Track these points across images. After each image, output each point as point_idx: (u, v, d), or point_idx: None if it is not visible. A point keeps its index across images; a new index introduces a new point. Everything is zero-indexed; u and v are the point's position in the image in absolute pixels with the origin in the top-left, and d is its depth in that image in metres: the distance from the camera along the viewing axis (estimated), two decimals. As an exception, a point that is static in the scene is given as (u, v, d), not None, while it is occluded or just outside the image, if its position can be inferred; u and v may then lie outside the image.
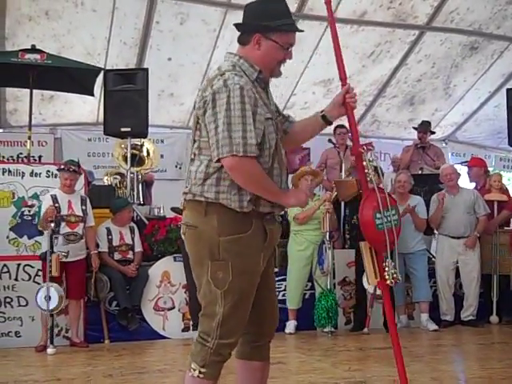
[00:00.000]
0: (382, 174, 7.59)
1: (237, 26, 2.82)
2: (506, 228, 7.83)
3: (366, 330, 6.77)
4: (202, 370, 2.64)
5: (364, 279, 6.76)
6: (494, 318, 7.43)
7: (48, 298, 6.00)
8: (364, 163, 2.97)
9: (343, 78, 3.01)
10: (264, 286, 2.80)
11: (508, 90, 9.11)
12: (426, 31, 10.12)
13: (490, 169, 10.43)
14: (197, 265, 2.73)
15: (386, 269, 2.96)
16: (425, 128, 9.15)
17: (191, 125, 2.79)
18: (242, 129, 2.55)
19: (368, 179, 2.98)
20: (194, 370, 2.66)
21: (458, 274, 7.39)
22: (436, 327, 6.96)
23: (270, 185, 2.69)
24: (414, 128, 9.25)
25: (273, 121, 2.74)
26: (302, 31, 2.85)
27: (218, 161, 2.59)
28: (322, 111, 2.95)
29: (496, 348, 6.18)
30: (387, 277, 2.96)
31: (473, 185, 8.26)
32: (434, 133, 9.66)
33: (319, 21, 9.60)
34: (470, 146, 12.57)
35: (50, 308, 6.03)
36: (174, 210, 7.77)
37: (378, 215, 2.93)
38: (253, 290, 2.73)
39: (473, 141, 12.56)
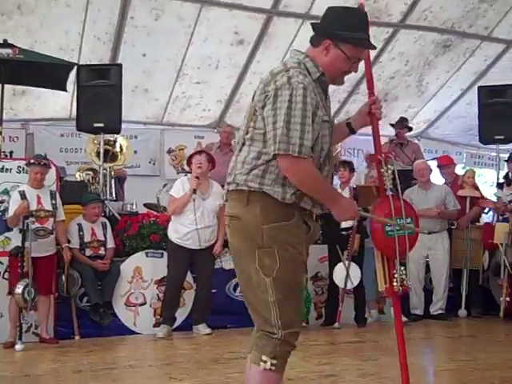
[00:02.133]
0: (401, 183, 7.66)
1: (313, 25, 2.81)
2: (477, 223, 7.91)
3: (336, 324, 6.81)
4: (273, 361, 2.61)
5: (334, 274, 6.83)
6: (462, 312, 7.53)
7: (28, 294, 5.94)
8: (382, 170, 3.03)
9: (370, 88, 3.07)
10: None
11: (479, 87, 9.24)
12: (400, 29, 10.20)
13: (462, 165, 10.57)
14: (243, 255, 2.70)
15: (396, 276, 2.99)
16: (401, 124, 9.22)
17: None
18: (300, 129, 2.54)
19: (385, 187, 3.03)
20: (265, 362, 2.61)
21: (428, 269, 7.47)
22: (405, 319, 7.01)
23: (326, 188, 2.73)
24: (391, 125, 9.30)
25: (329, 124, 2.74)
26: (374, 48, 2.87)
27: (275, 156, 2.58)
28: (348, 119, 3.02)
29: (464, 341, 6.28)
30: (395, 283, 3.00)
31: (442, 180, 8.34)
32: (411, 129, 9.73)
33: (294, 17, 9.64)
34: (442, 142, 12.68)
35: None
36: (146, 205, 7.78)
37: (389, 220, 2.97)
38: (301, 279, 2.75)
39: (445, 137, 12.68)
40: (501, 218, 7.37)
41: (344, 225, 6.85)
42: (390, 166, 3.04)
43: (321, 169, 2.72)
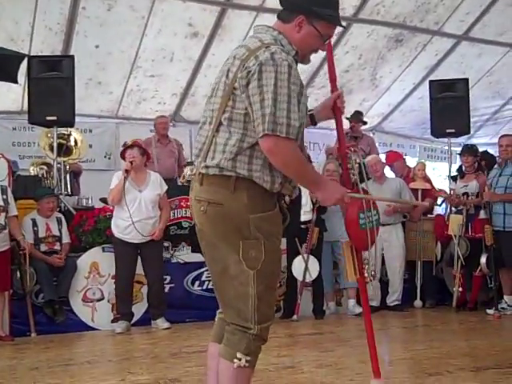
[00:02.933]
0: (367, 175, 7.73)
1: (282, 0, 2.69)
2: (429, 215, 8.07)
3: (295, 317, 6.87)
4: (248, 358, 2.53)
5: (293, 267, 6.89)
6: (417, 303, 7.68)
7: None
8: (349, 165, 3.03)
9: (334, 81, 3.04)
10: None
11: (430, 81, 9.39)
12: (353, 23, 10.29)
13: (415, 159, 10.77)
14: (221, 245, 2.58)
15: (366, 266, 3.04)
16: (356, 118, 9.30)
17: (215, 93, 2.60)
18: (287, 108, 2.42)
19: (352, 180, 3.03)
20: (240, 359, 2.52)
21: (384, 261, 7.59)
22: (361, 310, 7.12)
23: (309, 171, 2.61)
24: (346, 118, 9.37)
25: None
26: (344, 27, 2.84)
27: (263, 136, 2.44)
28: (310, 110, 2.87)
29: (419, 331, 6.41)
30: (366, 274, 3.05)
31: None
32: (366, 123, 9.83)
33: (248, 10, 9.64)
34: (396, 136, 12.88)
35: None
36: (102, 200, 7.68)
37: (362, 215, 2.96)
38: (280, 270, 2.71)
39: (399, 131, 12.88)
40: (454, 210, 7.52)
41: (303, 218, 6.91)
42: (356, 159, 3.07)
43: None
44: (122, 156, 6.80)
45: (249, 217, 2.52)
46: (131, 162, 6.54)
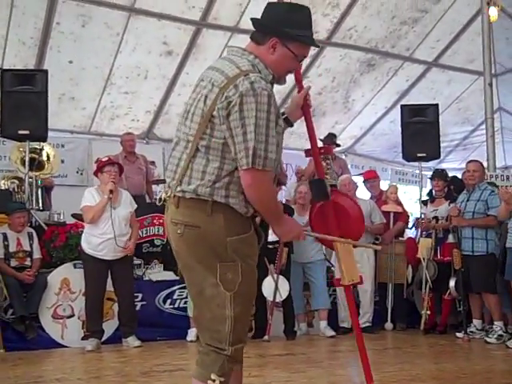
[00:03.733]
0: (374, 198, 8.03)
1: (254, 21, 2.69)
2: (400, 238, 8.14)
3: (266, 337, 6.85)
4: (221, 379, 2.53)
5: (263, 288, 6.86)
6: (388, 325, 7.73)
7: None
8: (324, 164, 3.13)
9: (299, 80, 3.07)
10: None
11: (402, 106, 9.52)
12: (327, 46, 10.44)
13: (387, 182, 10.88)
14: (197, 267, 2.58)
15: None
16: (330, 140, 9.36)
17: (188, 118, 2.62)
18: (265, 140, 2.47)
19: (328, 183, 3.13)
20: (214, 380, 2.53)
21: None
22: (333, 333, 7.15)
23: (276, 207, 2.67)
24: (320, 139, 9.42)
25: (282, 129, 2.68)
26: (318, 46, 2.85)
27: (247, 170, 2.48)
28: (283, 113, 2.88)
29: (389, 353, 6.44)
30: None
31: (368, 195, 8.56)
32: (338, 145, 9.89)
33: (223, 30, 9.72)
34: (368, 158, 13.02)
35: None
36: (74, 216, 7.61)
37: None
38: (255, 291, 2.71)
39: (370, 154, 13.03)
40: (425, 233, 7.61)
41: (270, 238, 6.92)
42: (327, 160, 3.19)
43: (274, 181, 2.65)
44: (97, 171, 6.73)
45: (226, 239, 2.55)
46: (114, 182, 6.51)
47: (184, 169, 2.60)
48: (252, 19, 2.71)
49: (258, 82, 2.50)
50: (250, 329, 7.18)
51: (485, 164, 8.00)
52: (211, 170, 2.55)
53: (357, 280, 3.28)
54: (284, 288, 6.92)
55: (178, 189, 2.60)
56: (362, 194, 8.55)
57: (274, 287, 6.85)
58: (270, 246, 6.90)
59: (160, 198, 2.81)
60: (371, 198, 8.40)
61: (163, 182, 9.87)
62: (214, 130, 2.54)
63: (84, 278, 6.54)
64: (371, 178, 8.67)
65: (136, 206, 6.79)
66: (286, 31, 2.62)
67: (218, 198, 2.55)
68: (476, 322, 6.96)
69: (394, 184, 9.32)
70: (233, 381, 2.75)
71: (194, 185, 2.57)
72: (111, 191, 6.45)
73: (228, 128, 2.50)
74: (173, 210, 2.63)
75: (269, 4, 2.72)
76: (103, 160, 6.83)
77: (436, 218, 7.40)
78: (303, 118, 3.07)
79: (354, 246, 3.22)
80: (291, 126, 2.98)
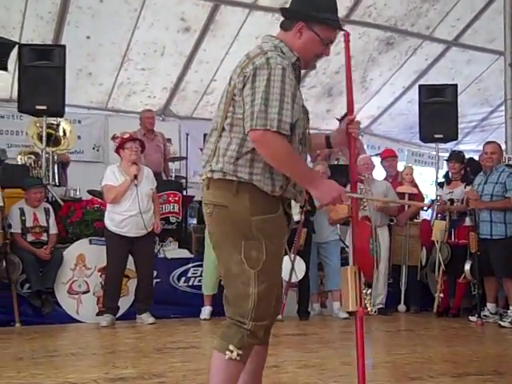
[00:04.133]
0: (390, 177, 7.93)
1: (282, 10, 2.79)
2: (415, 220, 8.09)
3: (280, 317, 6.85)
4: (240, 352, 2.61)
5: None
6: (401, 307, 7.72)
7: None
8: (358, 191, 3.03)
9: (350, 110, 3.06)
10: None
11: (420, 86, 9.43)
12: (345, 24, 10.29)
13: (403, 163, 10.81)
14: (225, 245, 2.67)
15: (367, 297, 3.00)
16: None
17: (223, 99, 2.68)
18: (279, 105, 2.51)
19: (361, 207, 3.02)
20: (232, 351, 2.60)
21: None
22: (347, 315, 7.16)
23: (301, 166, 2.66)
24: (337, 119, 9.31)
25: (304, 109, 2.73)
26: (344, 31, 2.85)
27: (250, 132, 2.54)
28: (327, 134, 3.02)
29: (402, 335, 6.44)
30: (368, 305, 2.98)
31: (384, 175, 8.49)
32: None
33: (241, 7, 9.64)
34: (384, 139, 12.93)
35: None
36: (90, 192, 7.66)
37: (371, 241, 2.96)
38: (280, 271, 2.78)
39: (387, 134, 12.94)
40: (440, 216, 7.56)
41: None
42: (367, 188, 3.09)
43: (300, 154, 2.70)
44: (119, 148, 6.76)
45: (251, 218, 2.61)
46: (135, 160, 6.56)
47: (213, 150, 2.70)
48: (280, 8, 2.81)
49: (274, 57, 2.58)
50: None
51: (503, 146, 7.90)
52: (233, 146, 2.63)
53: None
54: (300, 268, 6.92)
55: (208, 169, 2.70)
56: (378, 174, 8.49)
57: (290, 267, 6.86)
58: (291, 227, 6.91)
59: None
60: (386, 177, 8.32)
61: (179, 159, 9.90)
62: (235, 106, 2.62)
63: (106, 254, 6.59)
64: (389, 157, 8.58)
65: (156, 183, 6.85)
66: (310, 14, 2.70)
67: (242, 174, 2.61)
68: (490, 306, 6.94)
69: (410, 165, 9.25)
70: (256, 359, 2.83)
71: (220, 163, 2.65)
72: (135, 176, 6.48)
73: (241, 99, 2.59)
74: (204, 192, 2.74)
75: None
76: (124, 137, 6.85)
77: (451, 200, 7.35)
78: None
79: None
80: (330, 147, 3.06)
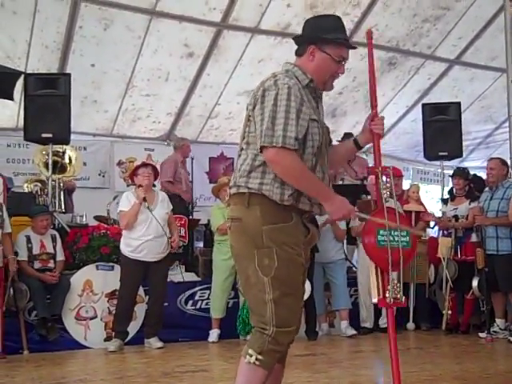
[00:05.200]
0: (396, 197, 7.69)
1: (295, 38, 2.99)
2: (422, 238, 8.07)
3: (287, 337, 6.85)
4: (259, 357, 2.68)
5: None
6: (410, 325, 7.69)
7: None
8: (380, 182, 3.06)
9: (374, 105, 3.15)
10: None
11: (423, 105, 9.46)
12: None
13: (408, 181, 10.82)
14: (243, 256, 2.80)
15: (389, 287, 2.98)
16: (347, 140, 9.31)
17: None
18: (283, 122, 2.66)
19: (382, 200, 3.04)
20: (251, 355, 2.69)
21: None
22: (354, 332, 7.13)
23: (312, 180, 2.77)
24: (338, 141, 9.34)
25: (318, 123, 2.82)
26: (354, 48, 2.97)
27: (261, 151, 2.70)
28: (355, 136, 3.14)
29: (412, 353, 6.39)
30: (387, 295, 2.99)
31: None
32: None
33: (243, 32, 9.73)
34: (389, 158, 12.89)
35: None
36: (96, 218, 7.69)
37: (382, 232, 2.99)
38: (299, 279, 2.82)
39: (392, 153, 12.92)
40: (446, 232, 7.54)
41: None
42: (387, 179, 3.08)
43: (313, 168, 2.80)
44: (132, 175, 6.86)
45: (262, 228, 2.73)
46: (141, 186, 6.63)
47: (235, 169, 2.89)
48: (293, 37, 3.02)
49: (281, 79, 2.77)
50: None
51: (508, 162, 7.89)
52: (247, 161, 2.80)
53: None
54: (306, 289, 6.86)
55: (229, 186, 2.89)
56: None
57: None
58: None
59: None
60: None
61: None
62: (250, 126, 2.82)
63: (120, 279, 6.60)
64: (396, 177, 8.58)
65: (171, 206, 6.88)
66: (319, 36, 2.87)
67: (252, 185, 2.76)
68: (499, 322, 6.89)
69: (416, 183, 9.25)
70: (273, 376, 2.86)
71: (235, 178, 2.84)
72: (144, 199, 6.52)
73: (253, 118, 2.78)
74: (229, 208, 2.90)
75: (305, 21, 3.02)
76: (138, 164, 6.95)
77: (456, 216, 7.34)
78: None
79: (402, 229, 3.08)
80: (359, 148, 3.13)
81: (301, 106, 2.72)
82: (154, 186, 7.07)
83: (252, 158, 2.78)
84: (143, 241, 6.50)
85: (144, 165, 6.93)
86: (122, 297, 6.59)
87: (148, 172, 6.70)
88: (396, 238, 2.99)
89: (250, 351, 2.71)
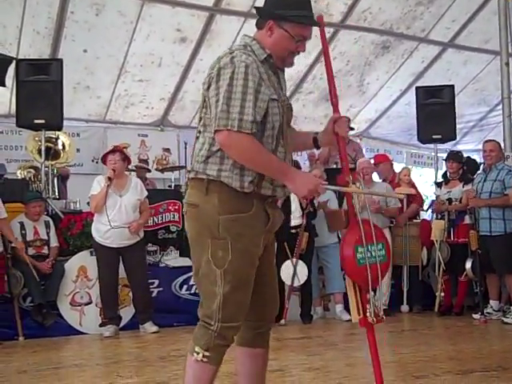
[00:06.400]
0: (387, 180, 7.91)
1: (256, 9, 2.80)
2: (414, 220, 8.08)
3: (283, 321, 6.87)
4: (206, 353, 2.59)
5: (282, 272, 6.90)
6: (404, 307, 7.72)
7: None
8: (351, 193, 2.84)
9: (335, 105, 2.92)
10: (264, 272, 2.76)
11: (417, 88, 9.45)
12: (341, 29, 10.37)
13: (402, 164, 10.82)
14: (197, 244, 2.68)
15: (369, 306, 2.82)
16: None
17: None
18: (240, 104, 2.51)
19: (355, 210, 2.84)
20: (198, 353, 2.59)
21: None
22: (349, 317, 7.13)
23: (271, 161, 2.60)
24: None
25: (279, 103, 2.68)
26: (317, 25, 2.80)
27: (215, 133, 2.55)
28: (316, 133, 2.95)
29: (406, 335, 6.43)
30: (368, 315, 2.82)
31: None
32: (353, 129, 9.80)
33: (236, 16, 9.68)
34: (382, 141, 12.96)
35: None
36: (90, 204, 7.66)
37: (360, 249, 2.79)
38: (252, 272, 2.67)
39: (385, 137, 12.96)
40: (439, 215, 7.57)
41: (293, 223, 6.94)
42: (358, 185, 2.89)
43: (275, 149, 2.66)
44: (104, 161, 6.81)
45: (218, 217, 2.60)
46: (113, 170, 6.54)
47: (192, 153, 2.74)
48: (255, 7, 2.82)
49: (238, 56, 2.60)
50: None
51: (502, 144, 7.91)
52: (205, 146, 2.65)
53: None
54: (303, 272, 6.92)
55: (187, 170, 2.71)
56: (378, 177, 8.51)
57: (292, 271, 6.86)
58: (292, 231, 6.93)
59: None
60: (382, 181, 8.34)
61: (178, 168, 9.94)
62: (206, 107, 2.65)
63: (97, 265, 6.61)
64: (382, 162, 8.63)
65: (146, 193, 6.81)
66: (278, 13, 2.68)
67: (211, 171, 2.62)
68: (493, 303, 6.94)
69: (407, 166, 9.27)
70: (256, 363, 2.86)
71: (193, 163, 2.70)
72: (109, 178, 6.48)
73: (208, 100, 2.62)
74: (186, 192, 2.76)
75: None
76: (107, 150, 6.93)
77: (450, 199, 7.36)
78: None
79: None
80: (317, 148, 3.01)
81: (259, 86, 2.57)
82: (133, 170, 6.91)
83: (209, 143, 2.63)
84: (110, 227, 6.43)
85: (112, 151, 6.83)
86: (102, 283, 6.57)
87: (115, 159, 6.63)
88: (373, 254, 2.80)
89: (197, 348, 2.59)
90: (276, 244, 6.89)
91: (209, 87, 2.61)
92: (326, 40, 2.97)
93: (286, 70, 2.83)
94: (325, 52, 3.02)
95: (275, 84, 2.71)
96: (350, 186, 2.81)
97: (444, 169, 7.84)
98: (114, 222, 6.43)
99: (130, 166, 7.76)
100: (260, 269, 2.70)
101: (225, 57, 2.62)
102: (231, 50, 2.65)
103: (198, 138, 2.72)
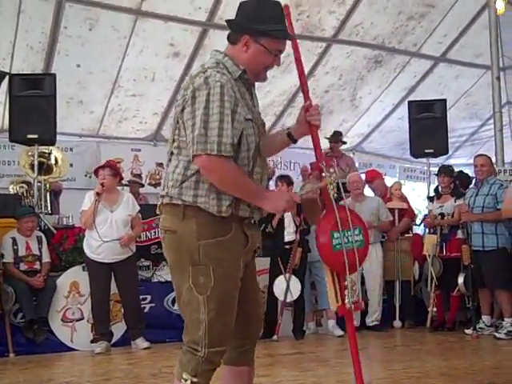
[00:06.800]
0: (345, 191, 7.70)
1: (228, 22, 2.71)
2: (406, 235, 8.09)
3: (275, 337, 6.85)
4: (194, 379, 2.56)
5: (275, 287, 6.89)
6: (397, 323, 7.71)
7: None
8: (325, 181, 2.82)
9: (306, 94, 2.92)
10: (247, 290, 2.73)
11: (409, 102, 9.49)
12: (333, 44, 10.43)
13: (395, 179, 10.84)
14: (177, 271, 2.63)
15: (347, 293, 2.79)
16: (336, 138, 9.38)
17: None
18: (218, 126, 2.47)
19: (330, 196, 2.82)
20: (186, 380, 2.55)
21: (363, 281, 7.60)
22: (342, 333, 7.11)
23: (248, 185, 2.59)
24: (326, 138, 9.37)
25: (253, 123, 2.64)
26: (292, 39, 2.78)
27: (193, 159, 2.51)
28: (288, 128, 2.92)
29: (398, 351, 6.42)
30: (347, 301, 2.79)
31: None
32: (345, 143, 9.89)
33: (229, 30, 9.70)
34: (375, 156, 12.99)
35: None
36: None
37: (336, 235, 2.76)
38: (235, 295, 2.64)
39: (378, 151, 12.99)
40: (432, 230, 7.57)
41: (287, 238, 6.94)
42: (331, 172, 2.84)
43: (251, 170, 2.64)
44: (96, 175, 6.82)
45: (198, 243, 2.56)
46: (102, 185, 6.53)
47: (165, 175, 2.68)
48: (226, 20, 2.72)
49: (212, 76, 2.53)
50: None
51: (493, 159, 7.94)
52: (179, 170, 2.60)
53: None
54: (295, 288, 6.90)
55: (160, 195, 2.70)
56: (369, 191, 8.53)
57: (285, 287, 6.84)
58: (286, 247, 6.93)
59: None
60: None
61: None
62: (180, 129, 2.59)
63: (89, 281, 6.58)
64: (373, 179, 8.67)
65: (138, 208, 6.80)
66: (254, 27, 2.63)
67: (187, 197, 2.57)
68: (485, 318, 6.92)
69: (399, 181, 9.31)
70: (239, 381, 2.81)
71: (167, 188, 2.63)
72: (98, 194, 6.48)
73: (182, 123, 2.56)
74: (161, 218, 2.71)
75: (240, 3, 2.72)
76: (98, 165, 6.92)
77: (442, 214, 7.37)
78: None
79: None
80: (294, 142, 2.93)
81: (235, 107, 2.52)
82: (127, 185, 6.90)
83: (184, 167, 2.57)
84: (101, 242, 6.41)
85: (102, 166, 6.83)
86: (94, 298, 6.54)
87: (104, 174, 6.62)
88: (350, 239, 2.79)
89: (185, 375, 2.55)
90: (270, 259, 6.95)
91: (183, 109, 2.55)
92: (297, 46, 2.98)
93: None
94: (298, 65, 3.01)
95: (249, 102, 2.68)
96: (323, 172, 2.82)
97: (436, 183, 7.86)
98: (105, 238, 6.41)
99: (123, 181, 7.74)
100: (242, 287, 2.68)
101: (198, 77, 2.56)
102: (204, 69, 2.58)
103: (170, 160, 2.65)
